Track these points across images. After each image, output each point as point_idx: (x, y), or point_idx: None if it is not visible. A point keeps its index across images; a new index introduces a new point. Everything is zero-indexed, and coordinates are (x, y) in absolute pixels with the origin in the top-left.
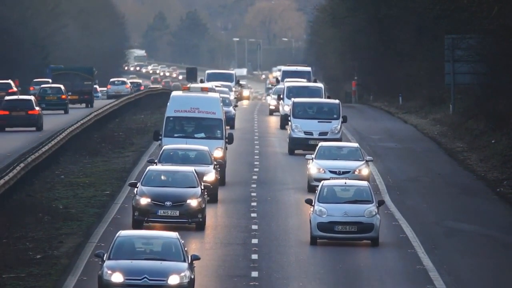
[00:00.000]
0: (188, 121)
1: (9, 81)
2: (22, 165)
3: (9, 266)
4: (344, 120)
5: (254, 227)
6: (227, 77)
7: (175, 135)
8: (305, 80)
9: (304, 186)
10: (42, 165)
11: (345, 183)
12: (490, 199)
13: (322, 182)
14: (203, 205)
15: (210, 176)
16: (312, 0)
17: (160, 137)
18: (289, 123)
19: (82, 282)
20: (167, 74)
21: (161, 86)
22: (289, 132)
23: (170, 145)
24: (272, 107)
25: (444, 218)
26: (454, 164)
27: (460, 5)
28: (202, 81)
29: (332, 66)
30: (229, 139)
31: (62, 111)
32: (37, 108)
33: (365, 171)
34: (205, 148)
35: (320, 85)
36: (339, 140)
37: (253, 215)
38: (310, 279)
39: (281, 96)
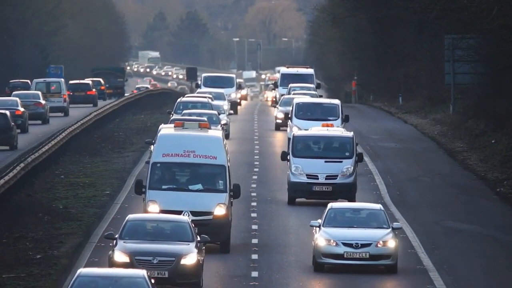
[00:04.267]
0: (181, 168)
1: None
2: (22, 165)
3: (9, 266)
4: (360, 159)
5: (254, 227)
6: (227, 81)
7: (163, 186)
8: (311, 85)
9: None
10: (42, 165)
11: None
12: (490, 199)
13: None
14: None
15: (190, 259)
16: (312, 0)
17: (144, 190)
18: (288, 163)
19: None
20: (180, 76)
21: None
22: (288, 174)
23: (136, 214)
24: (278, 121)
25: (444, 218)
26: (454, 164)
27: (460, 5)
28: (197, 86)
29: (332, 66)
30: (235, 192)
31: (101, 99)
32: (93, 90)
33: (391, 243)
34: (185, 218)
35: (336, 101)
36: (353, 185)
37: (253, 215)
38: (310, 279)
39: (289, 115)
